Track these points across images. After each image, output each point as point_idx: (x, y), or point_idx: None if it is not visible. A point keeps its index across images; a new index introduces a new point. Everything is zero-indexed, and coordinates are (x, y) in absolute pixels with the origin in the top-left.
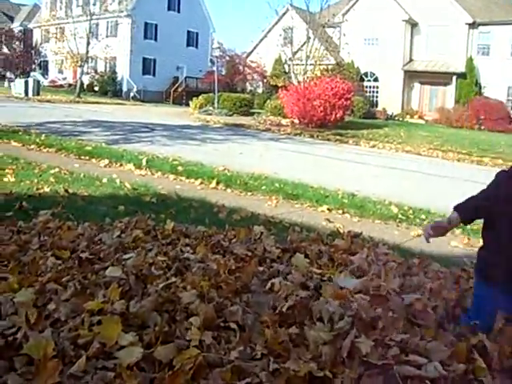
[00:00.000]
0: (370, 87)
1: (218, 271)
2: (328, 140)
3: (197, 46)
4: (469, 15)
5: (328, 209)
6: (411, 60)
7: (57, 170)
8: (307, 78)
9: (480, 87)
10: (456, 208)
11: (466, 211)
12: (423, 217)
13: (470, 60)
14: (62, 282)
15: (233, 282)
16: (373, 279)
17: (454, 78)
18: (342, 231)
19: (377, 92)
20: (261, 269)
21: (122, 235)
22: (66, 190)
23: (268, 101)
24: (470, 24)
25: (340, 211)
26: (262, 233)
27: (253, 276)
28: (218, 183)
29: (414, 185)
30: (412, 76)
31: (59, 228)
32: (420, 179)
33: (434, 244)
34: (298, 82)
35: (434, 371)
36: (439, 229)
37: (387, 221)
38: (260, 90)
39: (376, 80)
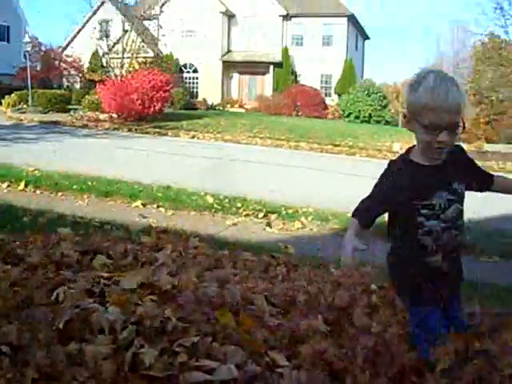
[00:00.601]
0: (190, 78)
1: None
2: (147, 133)
3: (8, 41)
4: (282, 7)
5: (142, 204)
6: (229, 51)
7: None
8: (125, 71)
9: (296, 75)
10: (354, 214)
11: (365, 217)
12: (239, 205)
13: (285, 50)
14: None
15: (12, 295)
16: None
17: (271, 67)
18: (155, 226)
19: (197, 83)
20: (51, 276)
21: None
22: None
23: (86, 96)
24: (283, 16)
25: (154, 205)
26: (60, 236)
27: (38, 286)
28: (26, 185)
29: (223, 172)
30: (230, 66)
31: None
32: (232, 166)
33: (249, 231)
34: (116, 76)
35: (227, 374)
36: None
37: (203, 211)
38: (78, 86)
39: (195, 71)
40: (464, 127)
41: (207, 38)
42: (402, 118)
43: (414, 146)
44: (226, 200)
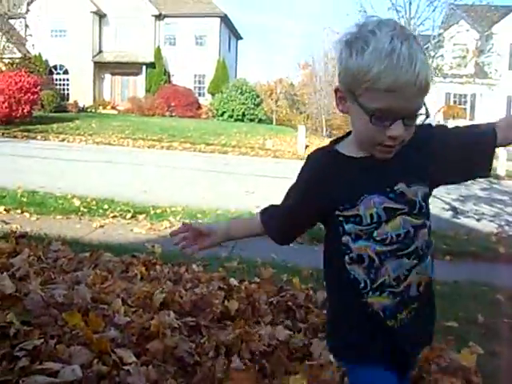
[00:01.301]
0: (60, 80)
1: None
2: (15, 137)
3: None
4: (155, 7)
5: (6, 209)
6: (101, 51)
7: None
8: None
9: (169, 76)
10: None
11: (269, 228)
12: (106, 207)
13: (157, 50)
14: None
15: None
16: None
17: (144, 67)
18: (19, 231)
19: (67, 85)
20: None
21: None
22: None
23: None
24: (156, 16)
25: (19, 211)
26: None
27: None
28: None
29: (93, 175)
30: (102, 67)
31: None
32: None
33: (116, 233)
34: None
35: (71, 375)
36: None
37: (69, 215)
38: None
39: (66, 72)
40: (428, 114)
41: (77, 38)
42: (334, 94)
43: (342, 136)
44: (94, 202)
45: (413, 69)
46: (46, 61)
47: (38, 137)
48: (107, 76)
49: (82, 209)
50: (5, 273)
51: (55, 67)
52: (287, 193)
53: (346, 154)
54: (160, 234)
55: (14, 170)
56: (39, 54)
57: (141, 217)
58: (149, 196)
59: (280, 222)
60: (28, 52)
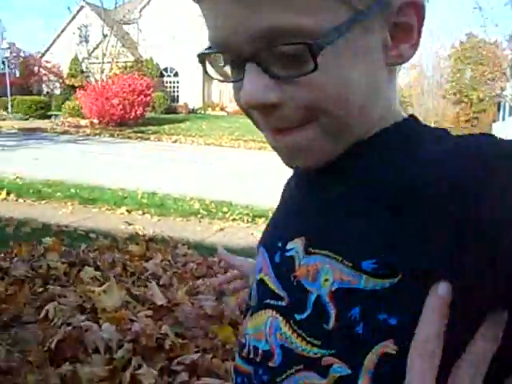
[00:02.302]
0: (171, 82)
1: None
2: (129, 138)
3: None
4: None
5: (127, 210)
6: None
7: None
8: (105, 76)
9: None
10: None
11: None
12: (225, 209)
13: None
14: None
15: None
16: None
17: None
18: (140, 234)
19: (177, 87)
20: (39, 290)
21: None
22: None
23: (66, 102)
24: None
25: (140, 212)
26: (45, 248)
27: (25, 303)
28: (8, 194)
29: (211, 177)
30: None
31: None
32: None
33: (237, 238)
34: (96, 81)
35: None
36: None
37: (189, 217)
38: (58, 92)
39: (176, 75)
40: (317, 52)
41: (188, 41)
42: None
43: None
44: (213, 205)
45: None
46: (157, 64)
47: (152, 138)
48: None
49: (201, 211)
50: (153, 282)
51: (166, 70)
52: None
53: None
54: None
55: (131, 169)
56: (151, 58)
57: (260, 221)
58: (267, 199)
59: None
60: (140, 56)
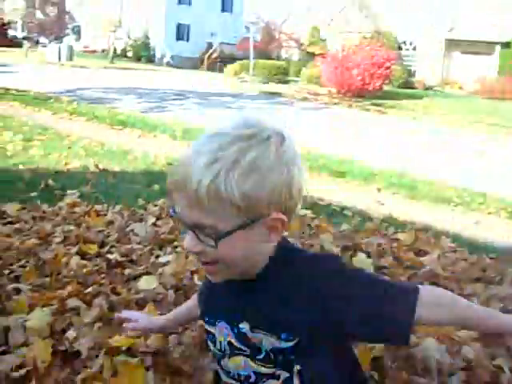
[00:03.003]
0: (408, 56)
1: None
2: (367, 110)
3: (231, 12)
4: None
5: (377, 188)
6: (452, 28)
7: (87, 141)
8: (345, 45)
9: None
10: None
11: None
12: (481, 200)
13: None
14: (86, 298)
15: None
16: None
17: (498, 47)
18: (395, 217)
19: (415, 61)
20: None
21: (157, 222)
22: (97, 166)
23: (304, 69)
24: None
25: (390, 191)
26: (317, 226)
27: None
28: None
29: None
30: (453, 45)
31: (87, 214)
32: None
33: (497, 234)
34: (336, 50)
35: None
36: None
37: (441, 204)
38: (296, 58)
39: (414, 49)
40: (216, 238)
41: (429, 14)
42: None
43: None
44: (466, 194)
45: (183, 177)
46: (396, 36)
47: (389, 112)
48: (457, 54)
49: (455, 199)
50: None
51: (404, 43)
52: None
53: None
54: None
55: (376, 145)
56: (389, 30)
57: None
58: None
59: None
60: (380, 28)
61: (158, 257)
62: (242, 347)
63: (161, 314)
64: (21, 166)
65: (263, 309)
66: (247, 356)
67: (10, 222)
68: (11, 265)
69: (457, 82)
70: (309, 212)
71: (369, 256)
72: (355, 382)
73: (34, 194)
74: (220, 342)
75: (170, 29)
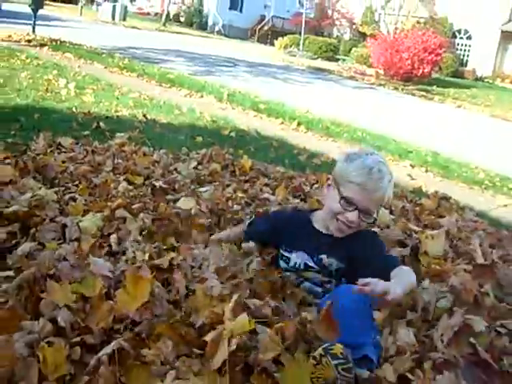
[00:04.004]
0: (462, 45)
1: None
2: (412, 94)
3: None
4: None
5: (411, 165)
6: (510, 20)
7: (137, 94)
8: (397, 28)
9: None
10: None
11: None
12: (511, 186)
13: None
14: (132, 211)
15: None
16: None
17: None
18: (425, 190)
19: (468, 51)
20: None
21: (198, 167)
22: (145, 115)
23: (354, 48)
24: None
25: (423, 169)
26: None
27: None
28: (298, 125)
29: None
30: (509, 37)
31: (134, 152)
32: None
33: None
34: (388, 32)
35: None
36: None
37: (472, 185)
38: (347, 37)
39: (469, 38)
40: (375, 221)
41: (487, 4)
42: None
43: (315, 209)
44: (498, 178)
45: (377, 186)
46: (451, 24)
47: (435, 98)
48: None
49: (486, 182)
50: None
51: (459, 31)
52: (268, 217)
53: (315, 227)
54: None
55: (414, 126)
56: (445, 16)
57: None
58: None
59: (254, 236)
60: (435, 13)
61: (197, 187)
62: (317, 267)
63: (197, 231)
64: (74, 110)
65: (343, 247)
66: (317, 272)
67: (65, 152)
68: (67, 183)
69: (509, 75)
70: None
71: (391, 213)
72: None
73: (86, 132)
74: (295, 262)
75: None
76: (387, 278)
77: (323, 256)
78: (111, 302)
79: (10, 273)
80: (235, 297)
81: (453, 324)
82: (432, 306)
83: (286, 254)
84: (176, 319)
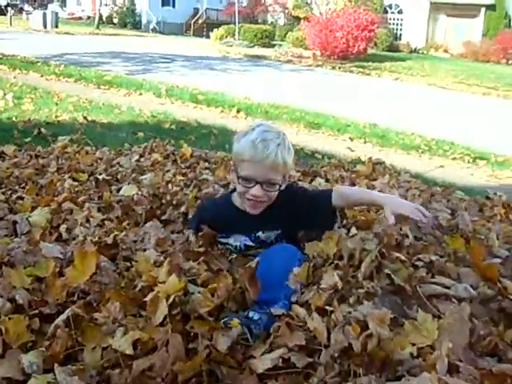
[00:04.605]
0: (394, 19)
1: None
2: (350, 72)
3: None
4: None
5: (350, 138)
6: None
7: (76, 98)
8: (329, 9)
9: (510, 20)
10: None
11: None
12: (446, 148)
13: None
14: (78, 202)
15: None
16: None
17: (483, 10)
18: (364, 160)
19: (401, 25)
20: None
21: (140, 159)
22: (85, 117)
23: (289, 32)
24: None
25: (362, 140)
26: None
27: None
28: (238, 111)
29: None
30: (438, 8)
31: (77, 153)
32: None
33: (457, 176)
34: (320, 13)
35: (464, 292)
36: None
37: (409, 151)
38: (281, 22)
39: (400, 12)
40: (280, 186)
41: None
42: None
43: (233, 190)
44: (434, 142)
45: (264, 154)
46: (382, 0)
47: (372, 73)
48: (442, 17)
49: (422, 146)
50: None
51: (390, 6)
52: (195, 214)
53: (238, 207)
54: (502, 183)
55: (351, 100)
56: None
57: (481, 163)
58: (489, 143)
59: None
60: None
61: (139, 176)
62: (256, 245)
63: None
64: (14, 119)
65: (271, 219)
66: (259, 247)
67: (8, 159)
68: (13, 187)
69: (442, 45)
70: None
71: (327, 181)
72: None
73: (28, 139)
74: (235, 246)
75: None
76: (331, 208)
77: (259, 233)
78: (63, 278)
79: None
80: (168, 260)
81: (372, 260)
82: (358, 251)
83: (224, 240)
84: (121, 286)
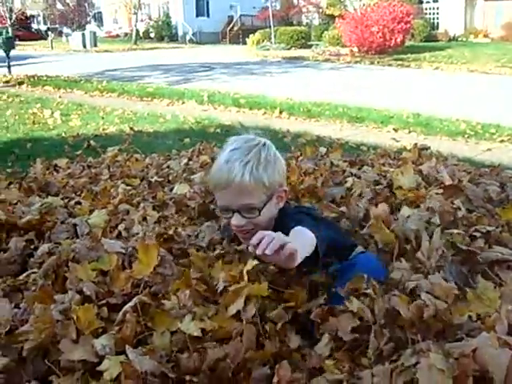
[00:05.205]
0: (430, 9)
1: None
2: (389, 65)
3: None
4: None
5: (394, 129)
6: None
7: (120, 111)
8: (363, 4)
9: None
10: None
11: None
12: (493, 131)
13: None
14: (133, 203)
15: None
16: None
17: None
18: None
19: (437, 13)
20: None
21: (189, 162)
22: (131, 128)
23: (325, 32)
24: None
25: (406, 130)
26: (327, 149)
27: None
28: (281, 112)
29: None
30: None
31: (128, 160)
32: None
33: (506, 157)
34: (354, 10)
35: None
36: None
37: (455, 137)
38: (316, 22)
39: (436, 1)
40: (259, 210)
41: None
42: None
43: None
44: (479, 126)
45: (231, 175)
46: None
47: (412, 65)
48: (479, 2)
49: (468, 131)
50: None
51: None
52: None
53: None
54: None
55: (391, 93)
56: None
57: None
58: None
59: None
60: None
61: (190, 176)
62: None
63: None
64: (63, 135)
65: None
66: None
67: (63, 171)
68: (70, 195)
69: (481, 30)
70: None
71: (373, 167)
72: None
73: (78, 152)
74: None
75: (189, 5)
76: None
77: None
78: (127, 271)
79: (34, 270)
80: (250, 261)
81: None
82: (421, 231)
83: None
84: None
